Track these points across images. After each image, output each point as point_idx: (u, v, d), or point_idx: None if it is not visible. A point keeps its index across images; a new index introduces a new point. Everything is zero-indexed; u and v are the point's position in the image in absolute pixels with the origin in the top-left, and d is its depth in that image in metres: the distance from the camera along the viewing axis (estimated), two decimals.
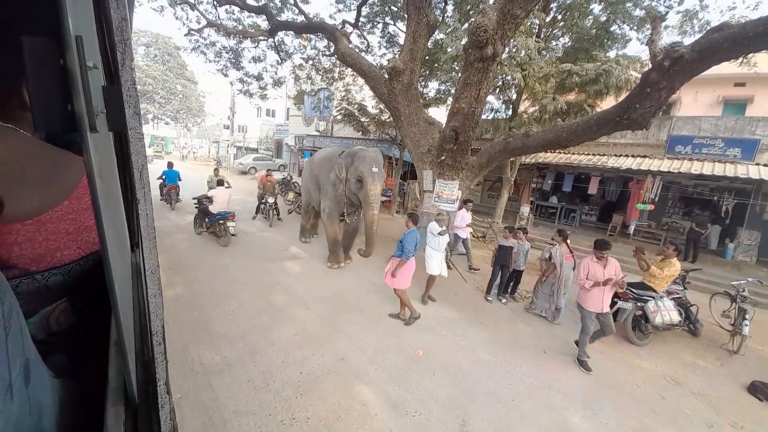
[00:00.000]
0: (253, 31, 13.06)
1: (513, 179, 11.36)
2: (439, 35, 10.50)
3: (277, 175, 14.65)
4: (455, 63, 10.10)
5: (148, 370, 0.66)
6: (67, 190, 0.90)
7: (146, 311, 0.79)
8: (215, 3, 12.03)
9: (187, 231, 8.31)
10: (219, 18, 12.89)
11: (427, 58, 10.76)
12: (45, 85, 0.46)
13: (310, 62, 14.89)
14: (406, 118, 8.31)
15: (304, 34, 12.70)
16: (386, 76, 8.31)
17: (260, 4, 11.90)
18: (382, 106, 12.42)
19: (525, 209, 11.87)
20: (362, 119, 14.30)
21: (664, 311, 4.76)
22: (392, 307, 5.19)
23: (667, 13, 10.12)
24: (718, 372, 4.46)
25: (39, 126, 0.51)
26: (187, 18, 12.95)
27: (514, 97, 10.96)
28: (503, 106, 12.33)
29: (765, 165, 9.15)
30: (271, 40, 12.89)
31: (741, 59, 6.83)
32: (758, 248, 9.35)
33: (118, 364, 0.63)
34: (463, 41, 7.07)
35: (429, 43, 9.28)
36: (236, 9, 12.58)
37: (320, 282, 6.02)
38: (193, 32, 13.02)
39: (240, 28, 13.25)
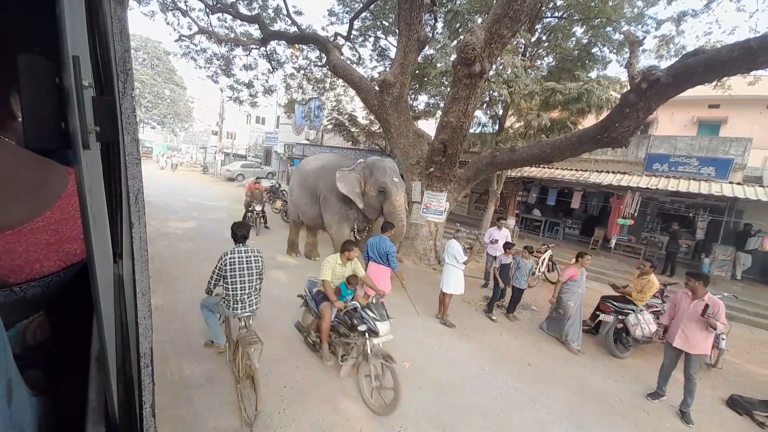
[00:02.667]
0: (245, 39, 13.14)
1: (499, 192, 11.58)
2: (429, 51, 10.79)
3: (266, 183, 14.55)
4: (444, 78, 10.36)
5: (129, 389, 0.65)
6: (50, 201, 0.88)
7: (127, 326, 0.77)
8: (208, 10, 12.08)
9: (170, 238, 8.11)
10: (211, 25, 12.93)
11: (417, 72, 11.00)
12: (39, 102, 0.46)
13: (302, 72, 15.02)
14: (395, 130, 8.42)
15: (296, 45, 12.84)
16: (377, 88, 8.44)
17: (253, 13, 12.00)
18: (372, 117, 12.57)
19: (511, 222, 12.07)
20: (352, 129, 14.44)
21: (644, 324, 4.88)
22: None
23: (644, 38, 10.66)
24: (698, 386, 4.57)
25: (31, 142, 0.51)
26: (179, 24, 12.92)
27: (501, 112, 11.28)
28: (490, 121, 12.69)
29: (738, 183, 9.61)
30: (263, 48, 12.97)
31: (715, 82, 7.22)
32: (733, 263, 9.72)
33: (98, 382, 0.61)
34: (452, 57, 7.27)
35: (419, 58, 9.50)
36: (229, 17, 12.65)
37: None
38: (184, 38, 13.00)
39: (232, 36, 13.32)
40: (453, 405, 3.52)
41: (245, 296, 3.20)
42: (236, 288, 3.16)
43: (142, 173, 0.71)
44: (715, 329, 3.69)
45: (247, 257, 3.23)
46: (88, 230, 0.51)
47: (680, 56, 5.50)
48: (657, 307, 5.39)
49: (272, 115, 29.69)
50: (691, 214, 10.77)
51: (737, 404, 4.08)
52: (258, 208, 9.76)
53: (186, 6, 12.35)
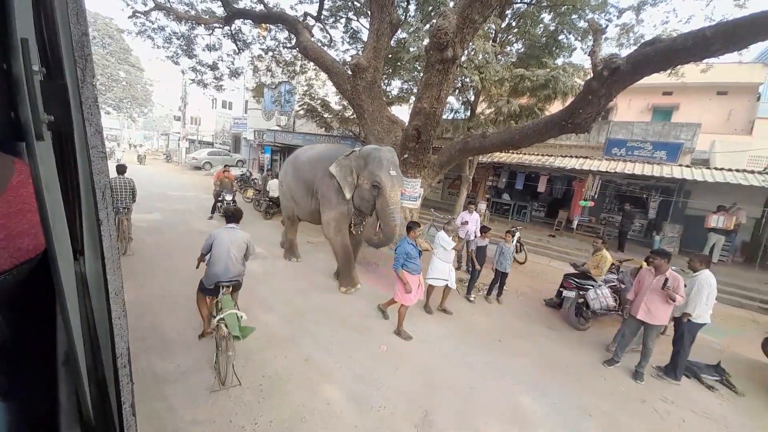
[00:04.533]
0: (207, 17, 12.29)
1: (471, 177, 11.83)
2: (402, 34, 10.62)
3: (236, 171, 14.00)
4: (417, 63, 10.28)
5: (103, 390, 0.63)
6: None
7: (95, 326, 0.75)
8: None
9: (134, 231, 7.67)
10: (169, 1, 11.96)
11: (390, 56, 10.83)
12: None
13: (270, 54, 14.32)
14: (369, 116, 8.32)
15: (263, 24, 12.18)
16: (350, 72, 8.25)
17: None
18: (345, 102, 12.30)
19: (482, 206, 12.42)
20: (325, 115, 14.07)
21: (602, 298, 5.27)
22: (360, 305, 5.23)
23: (607, 26, 11.07)
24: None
25: None
26: None
27: (473, 98, 11.40)
28: (462, 107, 12.80)
29: (687, 166, 10.41)
30: (227, 28, 12.21)
31: (670, 70, 7.59)
32: (680, 239, 10.61)
33: (69, 385, 0.60)
34: (425, 42, 7.20)
35: (392, 42, 9.34)
36: None
37: (284, 283, 5.88)
38: (138, 14, 11.96)
39: (192, 13, 12.40)
40: (429, 383, 3.68)
41: (122, 199, 6.21)
42: (119, 195, 6.15)
43: (108, 168, 0.67)
44: (674, 301, 4.05)
45: (123, 181, 6.24)
46: (48, 226, 0.48)
47: (639, 45, 5.74)
48: (614, 282, 5.82)
49: (240, 99, 28.29)
50: (644, 195, 11.56)
51: (686, 368, 4.45)
52: (228, 197, 9.43)
53: None
